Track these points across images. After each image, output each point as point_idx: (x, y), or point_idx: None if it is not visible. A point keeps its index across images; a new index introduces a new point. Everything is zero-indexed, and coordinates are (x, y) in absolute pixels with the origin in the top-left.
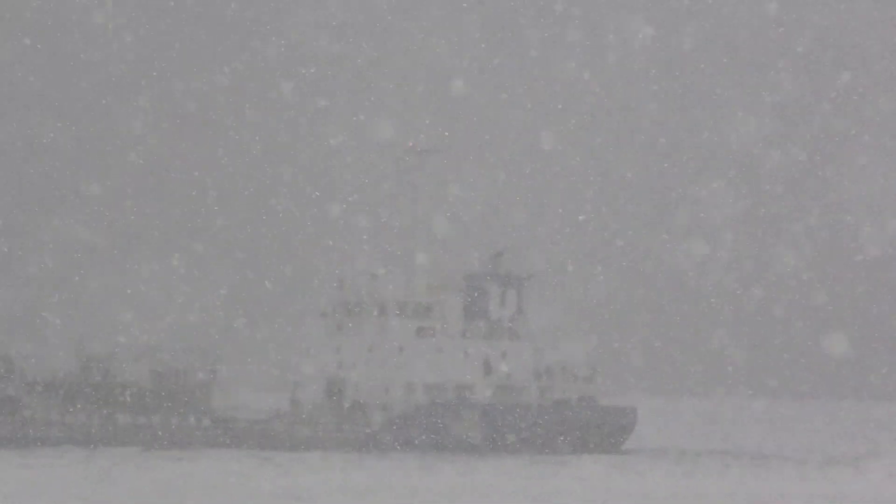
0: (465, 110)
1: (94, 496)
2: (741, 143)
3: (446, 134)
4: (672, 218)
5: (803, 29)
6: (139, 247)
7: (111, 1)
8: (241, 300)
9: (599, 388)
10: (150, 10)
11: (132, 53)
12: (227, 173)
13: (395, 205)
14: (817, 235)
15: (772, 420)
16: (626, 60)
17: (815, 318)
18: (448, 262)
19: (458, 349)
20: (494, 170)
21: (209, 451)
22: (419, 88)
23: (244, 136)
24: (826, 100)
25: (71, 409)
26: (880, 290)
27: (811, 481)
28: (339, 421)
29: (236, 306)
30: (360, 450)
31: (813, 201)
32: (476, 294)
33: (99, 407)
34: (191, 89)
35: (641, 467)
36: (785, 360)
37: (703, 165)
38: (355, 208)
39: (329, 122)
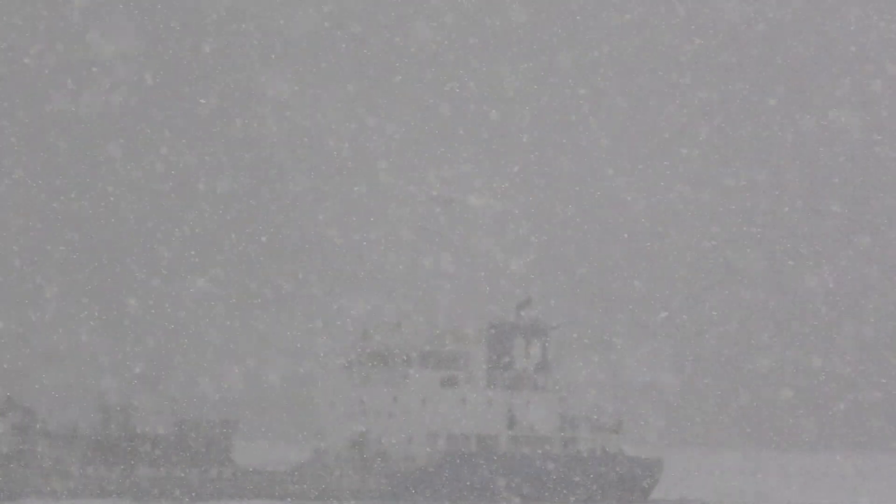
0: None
1: None
2: None
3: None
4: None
5: None
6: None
7: None
8: (264, 349)
9: (625, 439)
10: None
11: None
12: (252, 227)
13: (420, 253)
14: None
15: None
16: None
17: None
18: (473, 312)
19: (482, 399)
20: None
21: (230, 503)
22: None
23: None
24: None
25: (90, 461)
26: None
27: None
28: (362, 472)
29: (260, 356)
30: (384, 501)
31: None
32: (501, 344)
33: (119, 459)
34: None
35: None
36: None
37: None
38: (380, 256)
39: (353, 170)
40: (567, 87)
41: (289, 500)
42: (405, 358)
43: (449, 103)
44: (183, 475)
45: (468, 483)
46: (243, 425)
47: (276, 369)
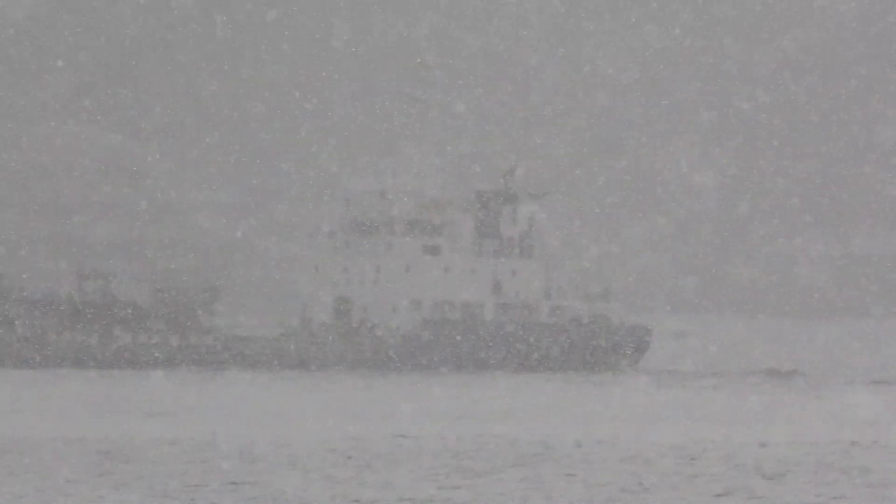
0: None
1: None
2: None
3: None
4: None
5: None
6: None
7: None
8: (248, 218)
9: (613, 307)
10: None
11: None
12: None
13: (405, 119)
14: None
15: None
16: None
17: None
18: (459, 179)
19: (466, 268)
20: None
21: (213, 371)
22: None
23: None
24: None
25: (68, 328)
26: None
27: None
28: (346, 340)
29: (244, 225)
30: (368, 369)
31: None
32: (487, 212)
33: (97, 326)
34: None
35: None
36: None
37: None
38: (364, 123)
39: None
40: None
41: (272, 367)
42: (389, 226)
43: None
44: (162, 342)
45: (453, 350)
46: (227, 292)
47: (260, 237)
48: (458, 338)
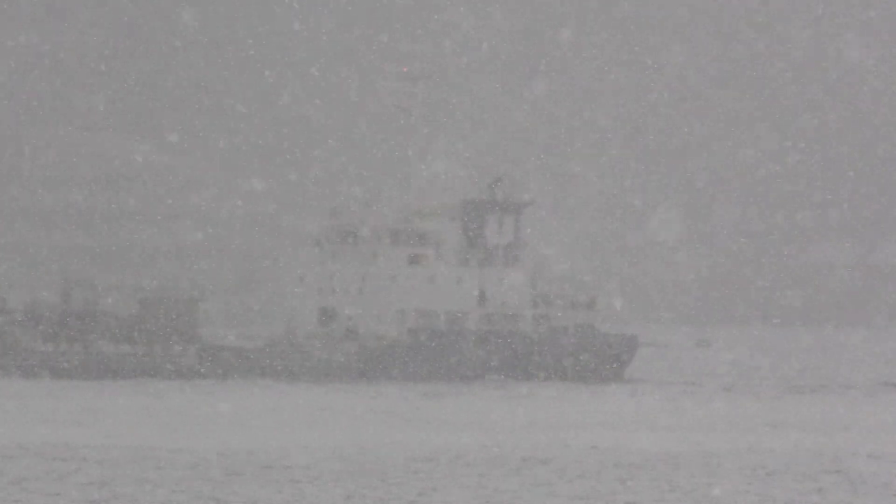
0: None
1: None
2: None
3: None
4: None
5: None
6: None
7: None
8: (234, 227)
9: (599, 316)
10: None
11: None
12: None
13: (390, 129)
14: None
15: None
16: None
17: None
18: (445, 189)
19: (451, 277)
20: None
21: (198, 381)
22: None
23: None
24: None
25: (51, 338)
26: None
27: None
28: (332, 349)
29: (230, 233)
30: (354, 377)
31: None
32: (472, 221)
33: (81, 336)
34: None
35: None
36: None
37: None
38: (350, 133)
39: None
40: None
41: (257, 377)
42: (375, 235)
43: None
44: (146, 352)
45: (437, 359)
46: (211, 302)
47: (246, 246)
48: (443, 347)
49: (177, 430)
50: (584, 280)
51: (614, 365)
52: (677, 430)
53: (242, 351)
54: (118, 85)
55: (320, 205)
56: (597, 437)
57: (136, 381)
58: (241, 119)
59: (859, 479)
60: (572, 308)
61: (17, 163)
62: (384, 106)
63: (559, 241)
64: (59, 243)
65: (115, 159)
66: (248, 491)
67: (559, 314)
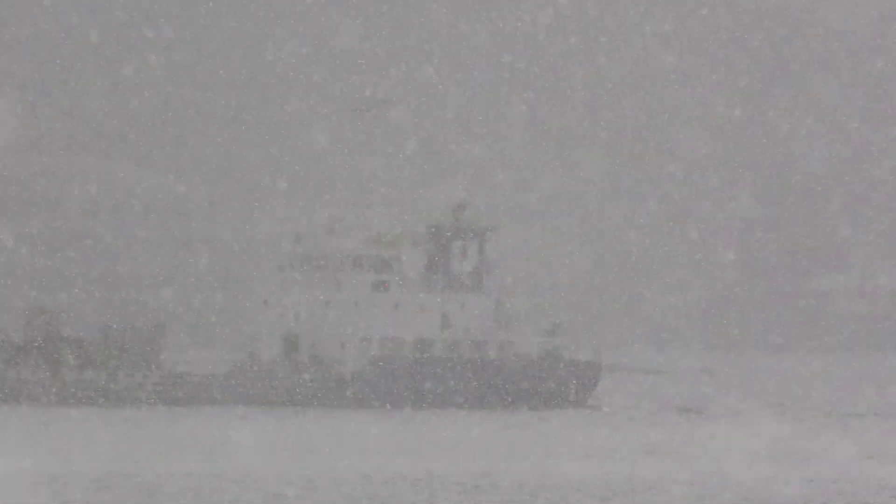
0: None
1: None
2: None
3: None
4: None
5: None
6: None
7: None
8: (195, 255)
9: (563, 343)
10: None
11: None
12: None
13: (354, 156)
14: None
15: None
16: None
17: None
18: (408, 215)
19: (415, 303)
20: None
21: (160, 408)
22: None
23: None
24: None
25: (14, 365)
26: None
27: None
28: (295, 376)
29: (192, 261)
30: (317, 405)
31: None
32: (437, 247)
33: (45, 363)
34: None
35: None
36: None
37: None
38: (314, 161)
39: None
40: None
41: (219, 404)
42: (338, 261)
43: None
44: (109, 379)
45: (402, 387)
46: (174, 329)
47: (209, 274)
48: (408, 374)
49: (136, 456)
50: (548, 306)
51: (577, 392)
52: (613, 458)
53: (205, 377)
54: (72, 104)
55: (284, 230)
56: (534, 464)
57: (97, 408)
58: (209, 145)
59: None
60: (536, 334)
61: None
62: (349, 130)
63: (527, 266)
64: (20, 270)
65: (78, 184)
66: None
67: (523, 340)
